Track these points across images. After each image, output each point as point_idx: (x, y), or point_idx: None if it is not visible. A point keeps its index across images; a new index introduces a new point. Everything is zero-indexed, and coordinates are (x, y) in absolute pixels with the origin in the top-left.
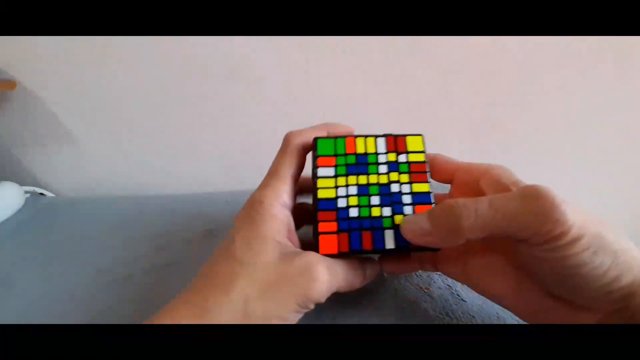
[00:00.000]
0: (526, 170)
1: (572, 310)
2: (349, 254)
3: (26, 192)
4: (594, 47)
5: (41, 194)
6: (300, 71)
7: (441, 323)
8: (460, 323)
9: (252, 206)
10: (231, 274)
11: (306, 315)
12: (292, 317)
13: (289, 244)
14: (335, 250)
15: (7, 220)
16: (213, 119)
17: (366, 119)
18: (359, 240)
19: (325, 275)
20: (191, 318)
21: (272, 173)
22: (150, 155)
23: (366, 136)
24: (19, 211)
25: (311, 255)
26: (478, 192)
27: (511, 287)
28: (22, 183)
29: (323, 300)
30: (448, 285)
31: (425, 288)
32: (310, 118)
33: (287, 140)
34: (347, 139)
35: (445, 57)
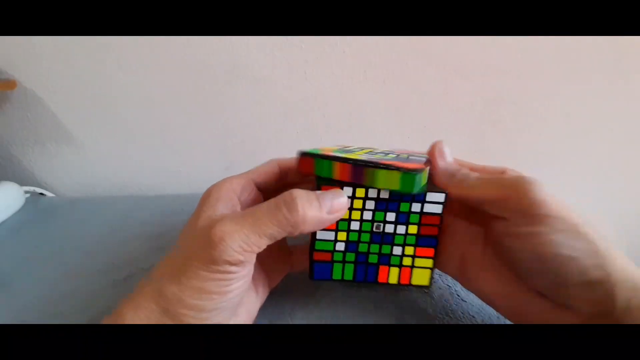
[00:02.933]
0: (526, 170)
1: (555, 310)
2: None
3: (26, 192)
4: (594, 47)
5: (41, 194)
6: (300, 71)
7: (441, 323)
8: (460, 323)
9: (203, 194)
10: (160, 260)
11: (306, 314)
12: (210, 286)
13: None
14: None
15: (7, 220)
16: (213, 118)
17: (366, 119)
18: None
19: (227, 231)
20: (127, 314)
21: (235, 175)
22: (150, 155)
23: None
24: (19, 211)
25: (220, 215)
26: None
27: (500, 283)
28: (22, 183)
29: (239, 257)
30: (448, 285)
31: (425, 288)
32: (310, 118)
33: (269, 160)
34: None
35: (445, 57)
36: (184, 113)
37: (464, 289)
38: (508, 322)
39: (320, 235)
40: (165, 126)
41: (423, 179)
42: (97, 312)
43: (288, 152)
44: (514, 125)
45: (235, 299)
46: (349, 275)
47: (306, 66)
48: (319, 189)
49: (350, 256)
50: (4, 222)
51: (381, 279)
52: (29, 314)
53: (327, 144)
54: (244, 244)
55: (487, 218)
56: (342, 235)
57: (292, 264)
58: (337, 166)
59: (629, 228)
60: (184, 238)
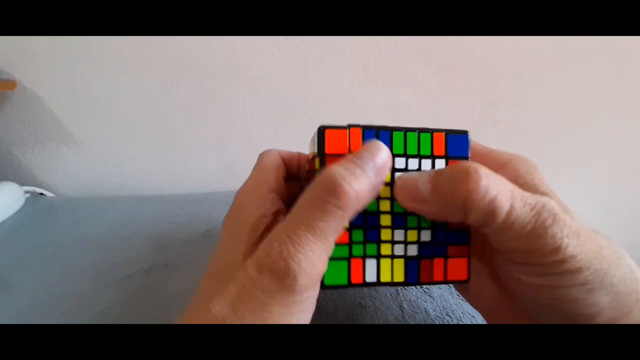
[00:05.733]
0: None
1: None
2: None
3: (26, 192)
4: (594, 47)
5: (41, 194)
6: (300, 71)
7: (441, 323)
8: (460, 323)
9: (237, 211)
10: (208, 296)
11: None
12: (291, 318)
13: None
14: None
15: (7, 220)
16: (213, 119)
17: (366, 119)
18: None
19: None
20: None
21: (254, 180)
22: (150, 155)
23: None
24: (19, 211)
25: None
26: None
27: (490, 297)
28: (22, 183)
29: (315, 278)
30: (448, 286)
31: (426, 288)
32: (310, 118)
33: (264, 155)
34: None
35: (445, 57)
36: (183, 113)
37: None
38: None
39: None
40: (165, 126)
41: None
42: (97, 312)
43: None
44: (514, 125)
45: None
46: (371, 276)
47: (306, 66)
48: (323, 165)
49: (372, 248)
50: (4, 222)
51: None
52: (29, 314)
53: None
54: (313, 259)
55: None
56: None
57: None
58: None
59: (629, 228)
60: (235, 272)
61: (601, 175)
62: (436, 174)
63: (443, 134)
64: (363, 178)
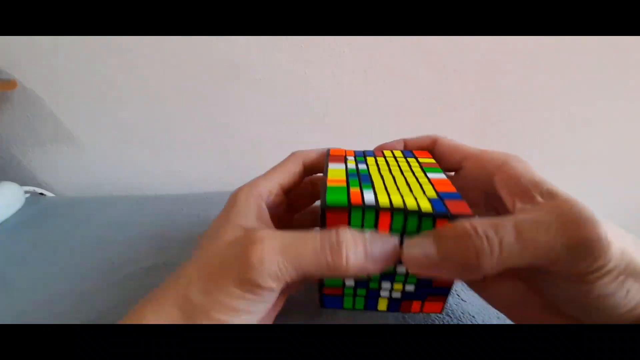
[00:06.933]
0: None
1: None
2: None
3: (26, 192)
4: (594, 47)
5: (41, 194)
6: (300, 71)
7: (441, 323)
8: (460, 323)
9: (230, 196)
10: (186, 261)
11: (306, 314)
12: (238, 305)
13: (258, 227)
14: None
15: (7, 220)
16: (213, 119)
17: (366, 119)
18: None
19: (267, 256)
20: (147, 314)
21: (261, 175)
22: (150, 155)
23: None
24: (19, 211)
25: (258, 232)
26: (490, 190)
27: (516, 296)
28: (22, 183)
29: (271, 284)
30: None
31: None
32: (310, 118)
33: (291, 155)
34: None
35: (445, 57)
36: (184, 113)
37: (464, 288)
38: (508, 322)
39: None
40: (165, 126)
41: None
42: (97, 312)
43: (288, 152)
44: (514, 125)
45: (258, 319)
46: (359, 306)
47: (306, 66)
48: (324, 214)
49: (362, 291)
50: (4, 222)
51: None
52: (29, 314)
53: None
54: (279, 272)
55: None
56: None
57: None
58: (381, 217)
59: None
60: (212, 244)
61: (601, 175)
62: (438, 237)
63: (447, 220)
64: (360, 259)
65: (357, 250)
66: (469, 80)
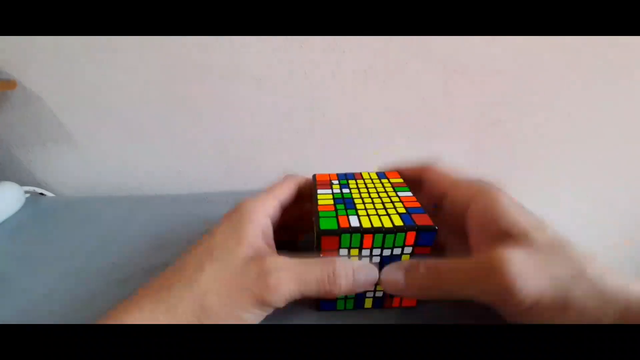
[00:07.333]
0: (526, 170)
1: None
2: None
3: (26, 192)
4: (594, 47)
5: (41, 194)
6: (300, 71)
7: (441, 323)
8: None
9: (239, 209)
10: (200, 267)
11: (306, 314)
12: (249, 317)
13: (265, 248)
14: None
15: (7, 220)
16: (213, 119)
17: (366, 119)
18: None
19: (282, 283)
20: (159, 315)
21: (265, 191)
22: (151, 155)
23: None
24: (19, 211)
25: (274, 260)
26: (462, 224)
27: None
28: (22, 183)
29: (281, 305)
30: None
31: None
32: (310, 118)
33: (286, 177)
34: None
35: (445, 57)
36: (183, 113)
37: None
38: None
39: None
40: (165, 126)
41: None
42: (97, 312)
43: (288, 152)
44: (514, 126)
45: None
46: (350, 306)
47: (306, 66)
48: (319, 238)
49: (352, 296)
50: (4, 222)
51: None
52: (29, 314)
53: (326, 145)
54: (289, 295)
55: None
56: None
57: None
58: (365, 238)
59: (629, 229)
60: (227, 260)
61: (601, 175)
62: (405, 270)
63: (415, 233)
64: (349, 285)
65: (348, 279)
66: (468, 80)
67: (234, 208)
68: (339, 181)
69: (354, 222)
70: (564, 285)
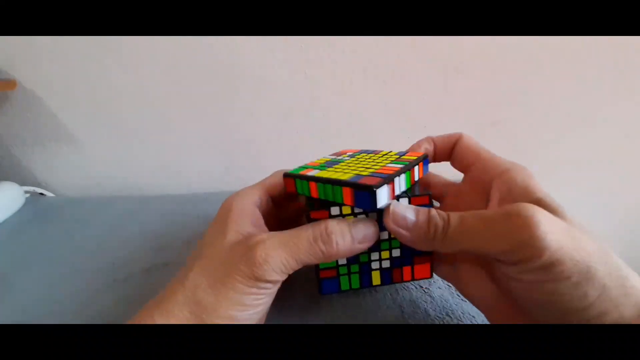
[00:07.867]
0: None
1: None
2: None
3: (26, 192)
4: (594, 47)
5: (41, 194)
6: (300, 71)
7: (441, 323)
8: (460, 323)
9: (223, 204)
10: (190, 267)
11: (307, 314)
12: (248, 299)
13: (256, 231)
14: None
15: (7, 220)
16: (213, 118)
17: (366, 119)
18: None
19: (270, 254)
20: (156, 318)
21: (249, 185)
22: (150, 155)
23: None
24: (19, 211)
25: (259, 236)
26: (486, 195)
27: (491, 297)
28: (22, 183)
29: (278, 277)
30: (448, 285)
31: (425, 288)
32: (310, 118)
33: (275, 172)
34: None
35: (445, 57)
36: (184, 113)
37: None
38: None
39: None
40: (165, 126)
41: (384, 195)
42: (97, 312)
43: (288, 152)
44: (514, 125)
45: (263, 311)
46: (355, 284)
47: (306, 66)
48: (310, 208)
49: (355, 267)
50: (4, 222)
51: (395, 279)
52: (29, 314)
53: (326, 145)
54: (282, 266)
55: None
56: None
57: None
58: (311, 186)
59: (629, 226)
60: (213, 250)
61: (601, 175)
62: (418, 213)
63: (350, 190)
64: (348, 243)
65: (344, 236)
66: (469, 80)
67: (221, 205)
68: (353, 153)
69: (312, 173)
70: (588, 255)
